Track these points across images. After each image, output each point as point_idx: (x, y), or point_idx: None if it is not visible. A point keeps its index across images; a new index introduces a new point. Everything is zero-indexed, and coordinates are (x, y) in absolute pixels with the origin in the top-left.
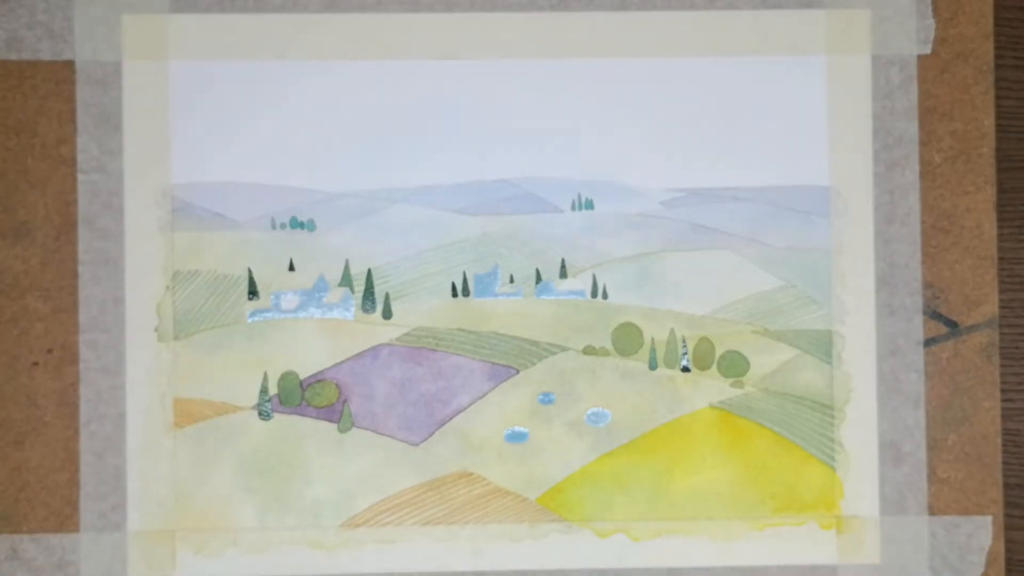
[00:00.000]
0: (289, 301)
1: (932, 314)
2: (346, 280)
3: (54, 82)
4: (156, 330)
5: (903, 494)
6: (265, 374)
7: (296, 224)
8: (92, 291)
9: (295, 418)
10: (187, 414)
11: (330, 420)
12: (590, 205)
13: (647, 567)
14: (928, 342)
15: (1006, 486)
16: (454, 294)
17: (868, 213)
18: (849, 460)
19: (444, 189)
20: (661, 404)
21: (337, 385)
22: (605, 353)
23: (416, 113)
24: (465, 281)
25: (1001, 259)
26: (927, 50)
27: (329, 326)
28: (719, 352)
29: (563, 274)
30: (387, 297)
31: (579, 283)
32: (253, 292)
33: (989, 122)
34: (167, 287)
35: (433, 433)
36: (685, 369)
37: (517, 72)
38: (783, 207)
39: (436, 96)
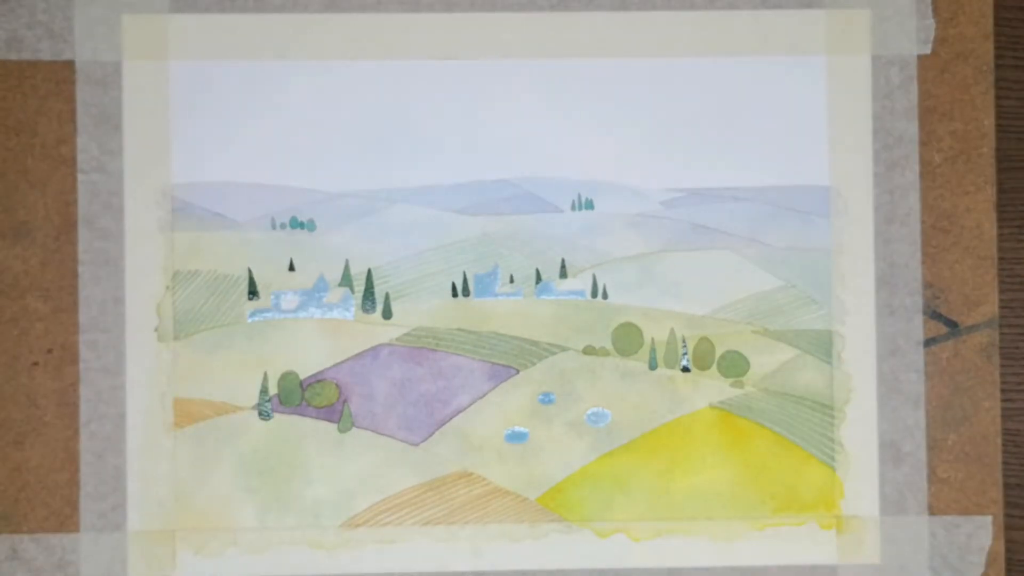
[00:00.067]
0: (289, 301)
1: (932, 314)
2: (346, 280)
3: (54, 82)
4: (156, 330)
5: (903, 494)
6: (265, 374)
7: (296, 224)
8: (92, 291)
9: (295, 418)
10: (187, 414)
11: (330, 420)
12: (590, 205)
13: (647, 567)
14: (928, 342)
15: (1006, 486)
16: (454, 294)
17: (868, 213)
18: (849, 460)
19: (444, 189)
20: (661, 404)
21: (337, 385)
22: (605, 353)
23: (416, 113)
24: (465, 281)
25: (1001, 259)
26: (927, 50)
27: (329, 326)
28: (719, 352)
29: (563, 274)
30: (387, 297)
31: (579, 283)
32: (253, 292)
33: (989, 122)
34: (167, 287)
35: (433, 433)
36: (685, 369)
37: (517, 72)
38: (783, 207)
39: (436, 96)
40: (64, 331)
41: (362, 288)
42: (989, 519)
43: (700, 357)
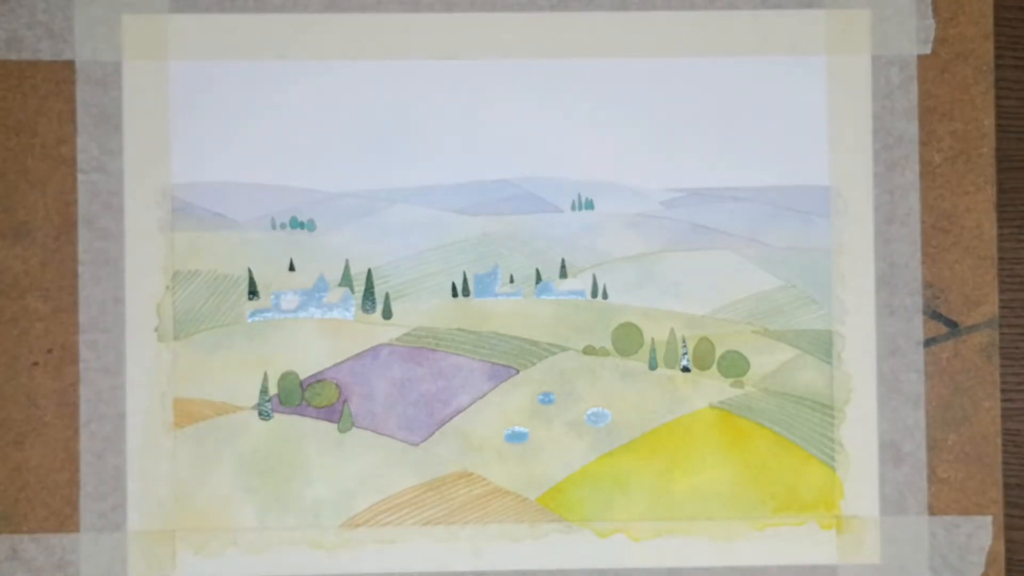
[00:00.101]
0: (289, 301)
1: (932, 314)
2: (346, 280)
3: (54, 82)
4: (156, 330)
5: (903, 494)
6: (265, 374)
7: (296, 224)
8: (92, 291)
9: (295, 418)
10: (187, 414)
11: (330, 420)
12: (590, 205)
13: (647, 567)
14: (928, 342)
15: (1006, 486)
16: (454, 294)
17: (868, 213)
18: (849, 460)
19: (444, 189)
20: (661, 404)
21: (337, 385)
22: (605, 353)
23: (416, 113)
24: (465, 281)
25: (1001, 259)
26: (927, 50)
27: (329, 326)
28: (719, 352)
29: (563, 274)
30: (387, 297)
31: (579, 283)
32: (253, 292)
33: (989, 122)
34: (167, 287)
35: (433, 433)
36: (685, 369)
37: (517, 72)
38: (783, 207)
39: (436, 96)
40: (64, 331)
41: (362, 288)
42: (989, 519)
43: (700, 357)
